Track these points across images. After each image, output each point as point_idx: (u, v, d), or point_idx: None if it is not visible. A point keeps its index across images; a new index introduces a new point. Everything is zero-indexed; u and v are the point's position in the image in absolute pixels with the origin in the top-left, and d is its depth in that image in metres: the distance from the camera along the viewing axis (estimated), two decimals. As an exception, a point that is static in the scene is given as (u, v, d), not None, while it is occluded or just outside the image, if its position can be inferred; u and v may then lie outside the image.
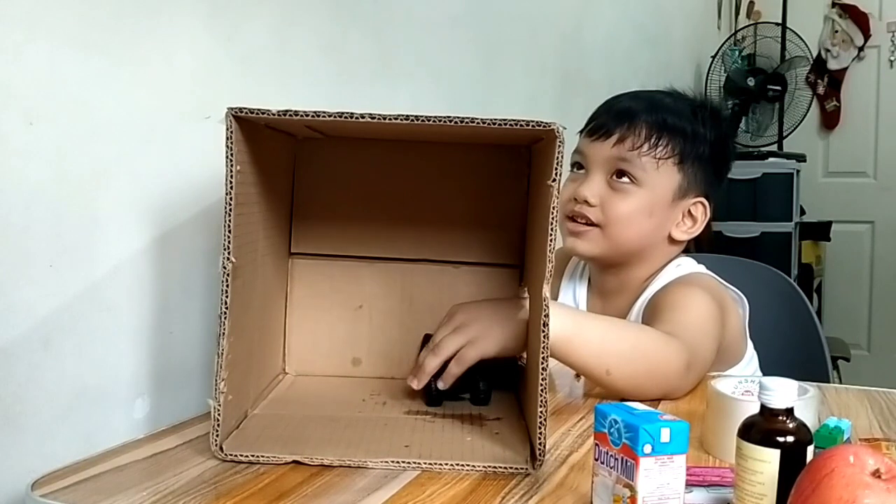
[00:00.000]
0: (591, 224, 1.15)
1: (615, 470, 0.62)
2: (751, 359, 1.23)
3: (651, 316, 1.10)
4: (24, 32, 0.79)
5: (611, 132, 1.14)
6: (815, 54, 3.87)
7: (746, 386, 0.82)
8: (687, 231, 1.18)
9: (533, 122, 0.75)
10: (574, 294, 1.30)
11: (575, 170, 1.19)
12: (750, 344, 1.23)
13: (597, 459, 0.65)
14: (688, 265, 1.21)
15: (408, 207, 1.07)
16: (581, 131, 1.20)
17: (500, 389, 1.00)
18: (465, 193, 1.07)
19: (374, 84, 1.35)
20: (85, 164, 0.87)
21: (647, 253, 1.19)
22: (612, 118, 1.15)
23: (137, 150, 0.93)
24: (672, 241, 1.19)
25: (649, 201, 1.14)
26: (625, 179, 1.13)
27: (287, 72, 1.15)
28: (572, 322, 0.95)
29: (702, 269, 1.22)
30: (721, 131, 1.19)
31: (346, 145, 1.05)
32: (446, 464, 0.75)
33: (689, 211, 1.17)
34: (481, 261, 1.08)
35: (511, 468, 0.75)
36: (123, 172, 0.91)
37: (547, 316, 0.74)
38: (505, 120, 0.75)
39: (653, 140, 1.13)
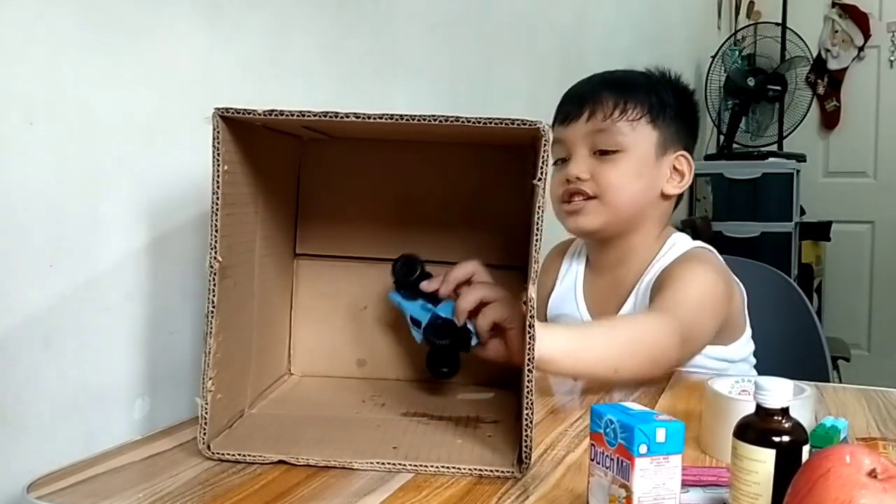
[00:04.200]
0: (588, 198, 1.19)
1: (611, 470, 0.62)
2: (748, 340, 1.26)
3: (655, 291, 1.14)
4: (24, 32, 0.80)
5: (581, 111, 1.19)
6: (815, 54, 3.87)
7: (743, 385, 0.83)
8: (678, 185, 1.23)
9: (518, 120, 0.74)
10: (575, 275, 1.32)
11: (558, 164, 1.23)
12: (748, 326, 1.26)
13: (593, 460, 0.65)
14: (684, 241, 1.25)
15: (412, 209, 1.07)
16: (552, 125, 1.24)
17: (507, 390, 1.00)
18: (469, 195, 1.07)
19: (373, 84, 1.35)
20: (85, 164, 0.87)
21: (645, 214, 1.23)
22: (577, 101, 1.21)
23: (137, 151, 0.93)
24: (665, 197, 1.24)
25: (636, 162, 1.19)
26: (608, 148, 1.18)
27: (287, 72, 1.16)
28: (572, 334, 0.97)
29: (702, 244, 1.26)
30: (678, 86, 1.27)
31: (351, 147, 1.05)
32: (432, 466, 0.75)
33: (675, 166, 1.23)
34: (486, 262, 1.08)
35: (498, 472, 0.74)
36: (123, 172, 0.92)
37: (532, 317, 0.74)
38: (490, 119, 0.74)
39: (621, 105, 1.18)
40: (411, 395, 1.00)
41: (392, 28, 1.40)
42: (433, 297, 0.97)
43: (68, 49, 0.84)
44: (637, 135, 1.18)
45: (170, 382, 0.99)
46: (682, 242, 1.24)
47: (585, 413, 0.94)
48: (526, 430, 0.73)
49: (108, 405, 0.91)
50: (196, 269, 1.02)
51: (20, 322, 0.81)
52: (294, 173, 1.05)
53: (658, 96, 1.21)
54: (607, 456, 0.63)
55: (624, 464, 0.61)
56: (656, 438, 0.60)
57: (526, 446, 0.74)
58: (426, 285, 0.97)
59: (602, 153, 1.18)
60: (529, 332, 0.74)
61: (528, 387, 0.74)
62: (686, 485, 0.66)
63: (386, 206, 1.07)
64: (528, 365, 0.74)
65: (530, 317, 0.74)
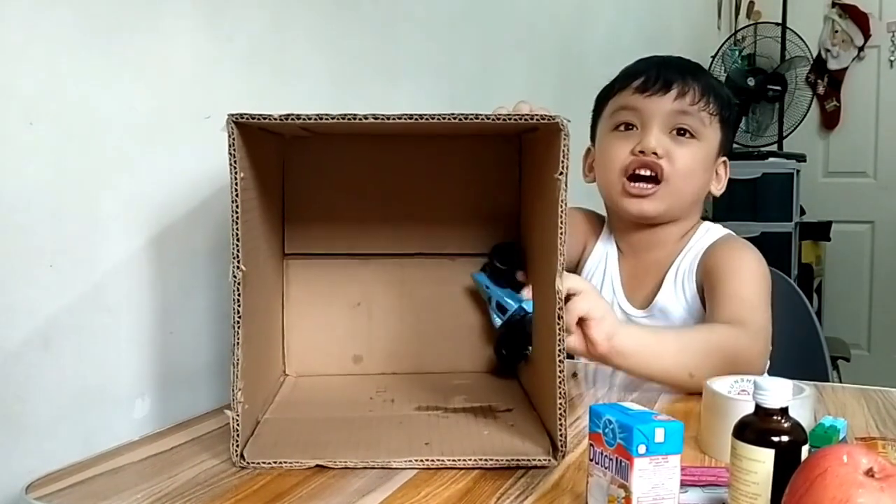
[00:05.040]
0: (656, 181, 1.18)
1: (610, 470, 0.62)
2: None
3: (710, 285, 1.14)
4: (24, 32, 0.80)
5: (668, 87, 1.18)
6: (815, 54, 3.86)
7: (742, 385, 0.83)
8: (718, 188, 1.26)
9: (538, 115, 0.75)
10: (605, 255, 1.30)
11: (622, 129, 1.20)
12: None
13: (591, 460, 0.65)
14: (716, 228, 1.27)
15: (400, 201, 1.07)
16: (618, 88, 1.23)
17: (503, 378, 1.01)
18: (456, 184, 1.07)
19: (373, 83, 1.35)
20: (85, 164, 0.87)
21: (691, 209, 1.25)
22: (665, 75, 1.19)
23: (137, 150, 0.93)
24: (707, 196, 1.26)
25: (705, 155, 1.20)
26: (686, 133, 1.18)
27: (287, 72, 1.16)
28: (646, 332, 1.00)
29: (730, 231, 1.27)
30: (733, 99, 1.28)
31: (335, 142, 1.04)
32: (470, 459, 0.75)
33: (717, 170, 1.25)
34: (477, 251, 1.08)
35: (535, 461, 0.75)
36: (123, 172, 0.92)
37: (561, 309, 0.74)
38: (509, 115, 0.76)
39: (706, 97, 1.19)
40: (414, 388, 1.00)
41: (392, 28, 1.40)
42: (518, 287, 1.01)
43: (68, 49, 0.84)
44: (711, 129, 1.20)
45: (170, 382, 0.99)
46: (714, 229, 1.26)
47: (585, 413, 0.94)
48: (560, 420, 0.74)
49: (108, 405, 0.91)
50: (196, 268, 1.02)
51: (20, 322, 0.81)
52: (279, 172, 1.04)
53: (728, 102, 1.24)
54: (606, 456, 0.63)
55: (623, 464, 0.61)
56: (655, 438, 0.60)
57: (561, 435, 0.74)
58: (523, 276, 1.01)
59: (680, 133, 1.18)
60: (558, 324, 0.74)
61: (559, 377, 0.74)
62: (685, 485, 0.66)
63: (373, 201, 1.07)
64: (559, 356, 0.74)
65: (559, 308, 0.74)
